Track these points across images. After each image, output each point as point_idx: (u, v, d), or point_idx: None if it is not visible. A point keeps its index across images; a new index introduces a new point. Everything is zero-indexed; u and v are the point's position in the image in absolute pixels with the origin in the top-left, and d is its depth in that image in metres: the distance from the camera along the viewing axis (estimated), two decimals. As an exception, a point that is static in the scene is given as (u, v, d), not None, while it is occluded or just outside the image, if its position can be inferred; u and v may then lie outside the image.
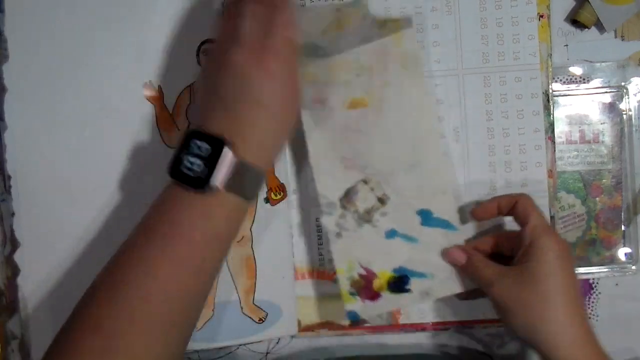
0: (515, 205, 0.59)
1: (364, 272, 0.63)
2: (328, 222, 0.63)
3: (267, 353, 0.68)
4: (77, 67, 0.63)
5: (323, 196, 0.63)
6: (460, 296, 0.63)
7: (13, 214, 0.63)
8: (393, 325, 0.67)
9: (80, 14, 0.63)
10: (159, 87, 0.64)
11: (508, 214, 0.60)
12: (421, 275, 0.63)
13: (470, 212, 0.62)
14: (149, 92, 0.64)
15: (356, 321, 0.65)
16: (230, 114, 0.52)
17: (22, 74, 0.62)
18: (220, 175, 0.50)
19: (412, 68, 0.62)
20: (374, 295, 0.63)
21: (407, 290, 0.63)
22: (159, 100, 0.64)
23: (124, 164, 0.64)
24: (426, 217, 0.62)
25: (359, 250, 0.63)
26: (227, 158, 0.50)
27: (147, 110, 0.64)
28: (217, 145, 0.50)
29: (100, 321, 0.48)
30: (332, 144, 0.63)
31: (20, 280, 0.63)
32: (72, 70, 0.63)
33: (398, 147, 0.62)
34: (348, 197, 0.63)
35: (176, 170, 0.51)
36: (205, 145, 0.51)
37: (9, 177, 0.63)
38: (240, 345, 0.67)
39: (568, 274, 0.55)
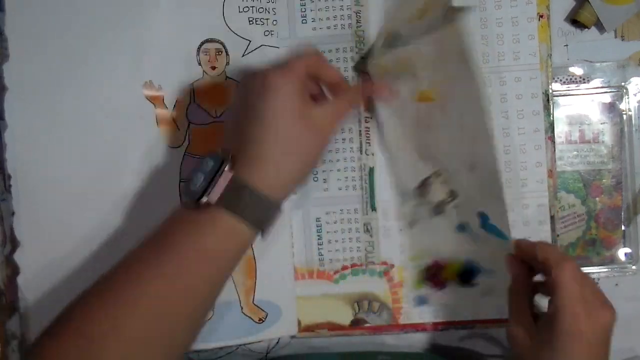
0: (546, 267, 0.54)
1: (433, 262, 0.65)
2: (402, 210, 0.65)
3: (267, 353, 0.68)
4: (78, 67, 0.63)
5: (398, 185, 0.65)
6: None
7: (13, 214, 0.63)
8: (393, 325, 0.67)
9: (81, 13, 0.63)
10: (159, 86, 0.64)
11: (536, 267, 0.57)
12: (489, 271, 0.64)
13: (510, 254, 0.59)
14: (149, 92, 0.64)
15: (422, 305, 0.66)
16: (239, 129, 0.53)
17: (23, 74, 0.62)
18: (215, 191, 0.50)
19: (467, 62, 0.60)
20: (441, 284, 0.66)
21: (474, 284, 0.65)
22: (159, 99, 0.64)
23: (124, 163, 0.64)
24: (484, 220, 0.63)
25: (430, 240, 0.65)
26: (224, 175, 0.50)
27: (148, 109, 0.64)
28: (220, 162, 0.51)
29: (84, 325, 0.48)
30: (407, 135, 0.64)
31: (20, 279, 0.63)
32: (72, 70, 0.63)
33: (460, 145, 0.62)
34: (423, 187, 0.64)
35: (186, 186, 0.52)
36: (210, 162, 0.51)
37: (9, 177, 0.63)
38: (240, 345, 0.67)
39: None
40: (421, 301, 0.66)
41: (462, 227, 0.64)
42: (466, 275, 0.65)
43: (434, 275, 0.66)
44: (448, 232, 0.65)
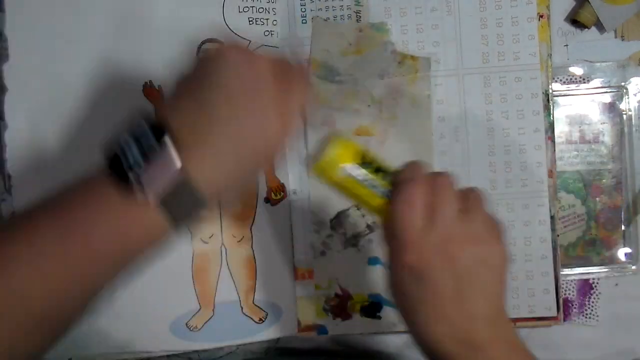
0: None
1: (340, 292, 0.66)
2: (315, 239, 0.66)
3: (267, 353, 0.68)
4: (77, 67, 0.63)
5: (315, 214, 0.66)
6: None
7: (13, 214, 0.63)
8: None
9: (81, 13, 0.63)
10: (159, 86, 0.64)
11: None
12: (394, 306, 0.64)
13: None
14: (149, 92, 0.64)
15: (324, 335, 0.67)
16: (191, 128, 0.42)
17: (23, 74, 0.63)
18: (156, 185, 0.41)
19: (420, 108, 0.64)
20: (346, 315, 0.66)
21: (378, 317, 0.66)
22: (159, 100, 0.64)
23: (124, 164, 0.63)
24: None
25: (340, 271, 0.66)
26: (170, 164, 0.41)
27: (147, 110, 0.64)
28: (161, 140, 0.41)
29: None
30: None
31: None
32: (72, 70, 0.63)
33: None
34: (339, 219, 0.66)
35: (112, 158, 0.42)
36: (151, 137, 0.41)
37: (9, 177, 0.63)
38: (240, 345, 0.67)
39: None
40: (322, 331, 0.66)
41: (374, 261, 0.66)
42: (371, 308, 0.66)
43: (339, 306, 0.66)
44: (359, 264, 0.66)
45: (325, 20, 0.65)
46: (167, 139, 0.41)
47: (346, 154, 0.48)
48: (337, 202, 0.65)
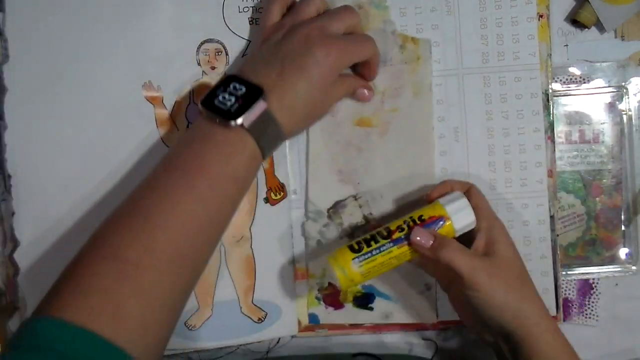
0: (467, 192, 0.60)
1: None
2: (311, 228, 0.66)
3: (267, 353, 0.68)
4: (77, 67, 0.63)
5: (312, 203, 0.66)
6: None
7: (13, 214, 0.63)
8: (393, 324, 0.67)
9: (81, 14, 0.63)
10: (159, 86, 0.64)
11: None
12: (386, 297, 0.66)
13: (426, 195, 0.61)
14: (148, 92, 0.64)
15: (315, 324, 0.67)
16: (277, 70, 0.56)
17: (23, 74, 0.62)
18: (250, 116, 0.53)
19: (422, 99, 0.64)
20: (338, 305, 0.67)
21: (370, 308, 0.66)
22: (158, 100, 0.64)
23: (124, 163, 0.64)
24: None
25: None
26: (260, 104, 0.53)
27: (147, 110, 0.64)
28: (255, 91, 0.54)
29: (118, 249, 0.49)
30: (333, 155, 0.65)
31: (20, 279, 0.63)
32: (72, 70, 0.63)
33: (393, 172, 0.65)
34: (336, 209, 0.66)
35: (209, 102, 0.54)
36: (243, 89, 0.54)
37: (10, 177, 0.63)
38: (240, 345, 0.67)
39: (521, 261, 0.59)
40: (314, 319, 0.67)
41: None
42: (363, 299, 0.66)
43: (332, 295, 0.67)
44: None
45: None
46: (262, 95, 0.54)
47: (345, 257, 0.57)
48: (335, 192, 0.66)
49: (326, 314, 0.67)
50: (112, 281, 0.47)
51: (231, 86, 0.54)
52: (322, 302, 0.67)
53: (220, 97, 0.54)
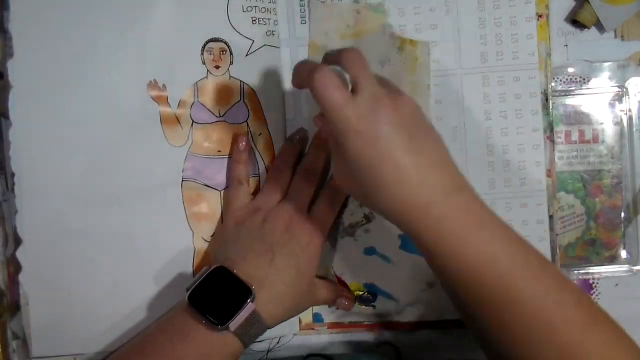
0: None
1: (336, 281, 0.67)
2: None
3: (268, 351, 0.68)
4: (82, 65, 0.63)
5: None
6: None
7: (16, 212, 0.62)
8: (393, 323, 0.67)
9: (85, 11, 0.63)
10: (164, 85, 0.64)
11: None
12: (388, 295, 0.66)
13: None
14: (153, 91, 0.64)
15: (320, 322, 0.68)
16: (267, 259, 0.57)
17: (27, 71, 0.62)
18: (237, 319, 0.54)
19: (420, 98, 0.65)
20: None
21: (372, 306, 0.67)
22: (163, 98, 0.64)
23: (128, 162, 0.63)
24: (405, 241, 0.65)
25: (336, 260, 0.67)
26: (248, 306, 0.54)
27: (152, 108, 0.64)
28: (243, 290, 0.55)
29: None
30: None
31: (22, 277, 0.62)
32: (76, 68, 0.63)
33: None
34: None
35: (196, 298, 0.55)
36: (231, 285, 0.55)
37: (13, 175, 0.62)
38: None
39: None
40: (318, 318, 0.68)
41: (370, 251, 0.66)
42: (366, 297, 0.67)
43: None
44: (355, 253, 0.66)
45: (323, 1, 0.66)
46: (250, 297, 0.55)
47: None
48: None
49: (329, 313, 0.67)
50: None
51: (219, 280, 0.55)
52: None
53: (207, 293, 0.55)
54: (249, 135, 0.65)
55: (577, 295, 0.50)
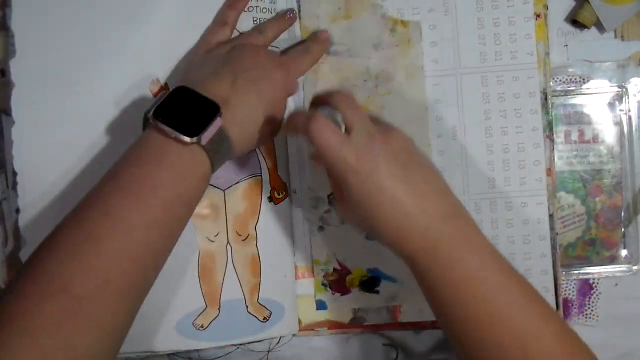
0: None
1: (339, 267, 0.67)
2: (313, 215, 0.66)
3: (268, 352, 0.68)
4: (84, 63, 0.63)
5: (312, 190, 0.66)
6: None
7: (18, 211, 0.62)
8: (393, 323, 0.67)
9: (87, 9, 0.63)
10: (166, 83, 0.64)
11: None
12: (392, 279, 0.66)
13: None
14: (156, 89, 0.64)
15: (322, 310, 0.68)
16: (228, 82, 0.56)
17: (30, 70, 0.62)
18: (207, 134, 0.51)
19: (414, 81, 0.65)
20: (344, 290, 0.67)
21: (376, 292, 0.67)
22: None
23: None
24: None
25: (338, 246, 0.67)
26: (217, 121, 0.52)
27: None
28: (210, 107, 0.53)
29: (68, 283, 0.45)
30: None
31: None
32: (79, 66, 0.63)
33: None
34: None
35: (161, 114, 0.52)
36: (197, 102, 0.53)
37: (16, 173, 0.62)
38: (242, 344, 0.67)
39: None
40: (321, 306, 0.67)
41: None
42: (369, 282, 0.67)
43: (338, 281, 0.67)
44: (357, 239, 0.66)
45: None
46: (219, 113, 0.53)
47: None
48: None
49: (333, 300, 0.67)
50: (63, 318, 0.44)
51: (183, 99, 0.53)
52: (328, 289, 0.67)
53: (173, 110, 0.52)
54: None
55: (559, 326, 0.52)
